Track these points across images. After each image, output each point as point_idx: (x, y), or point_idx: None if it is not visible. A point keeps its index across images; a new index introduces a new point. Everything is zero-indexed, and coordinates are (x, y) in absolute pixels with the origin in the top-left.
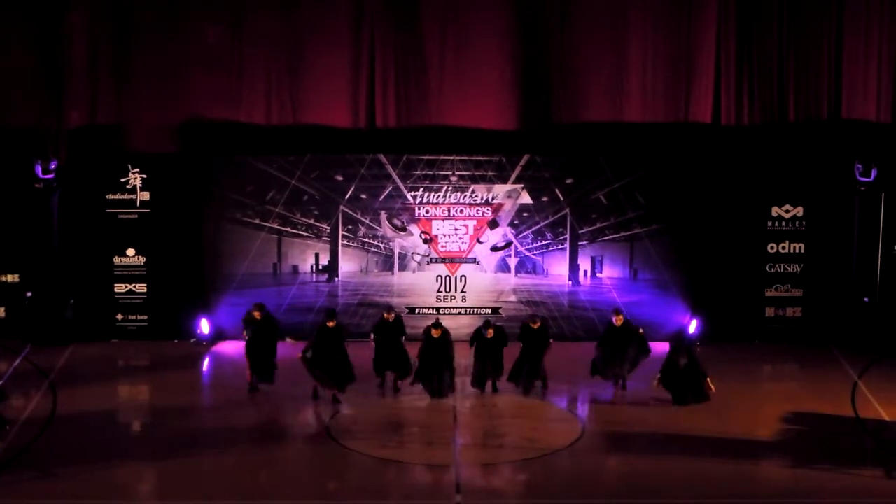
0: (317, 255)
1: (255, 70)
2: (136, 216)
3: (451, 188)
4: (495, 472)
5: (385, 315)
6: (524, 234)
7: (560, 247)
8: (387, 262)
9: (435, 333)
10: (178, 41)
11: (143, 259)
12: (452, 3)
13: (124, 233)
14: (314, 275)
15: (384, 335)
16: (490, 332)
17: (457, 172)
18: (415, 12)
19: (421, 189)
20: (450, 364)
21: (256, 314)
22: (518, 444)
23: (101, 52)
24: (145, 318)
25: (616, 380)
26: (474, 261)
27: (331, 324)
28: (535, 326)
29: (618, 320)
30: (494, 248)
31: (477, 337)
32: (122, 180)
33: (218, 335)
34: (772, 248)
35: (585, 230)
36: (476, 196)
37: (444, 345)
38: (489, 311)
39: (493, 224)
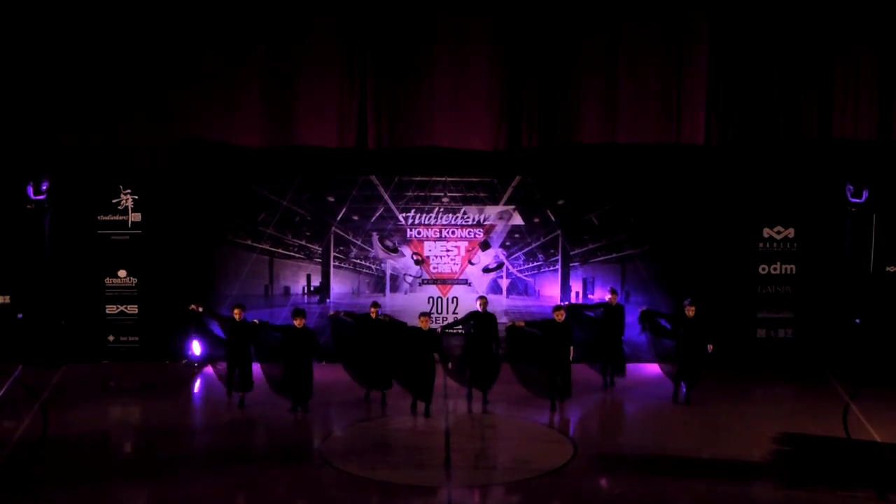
0: (308, 277)
1: (248, 92)
2: (128, 237)
3: (442, 209)
4: (488, 494)
5: (371, 310)
6: (516, 255)
7: (552, 268)
8: (378, 284)
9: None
10: (170, 63)
11: (134, 280)
12: (445, 26)
13: (116, 254)
14: (306, 296)
15: (373, 337)
16: (482, 305)
17: (448, 194)
18: (406, 36)
19: (413, 210)
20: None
21: (236, 312)
22: (510, 465)
23: (94, 72)
24: (136, 339)
25: (605, 370)
26: (466, 282)
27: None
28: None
29: (612, 299)
30: (486, 270)
31: (473, 315)
32: (114, 201)
33: (209, 357)
34: (763, 269)
35: (577, 251)
36: (468, 217)
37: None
38: None
39: (485, 245)
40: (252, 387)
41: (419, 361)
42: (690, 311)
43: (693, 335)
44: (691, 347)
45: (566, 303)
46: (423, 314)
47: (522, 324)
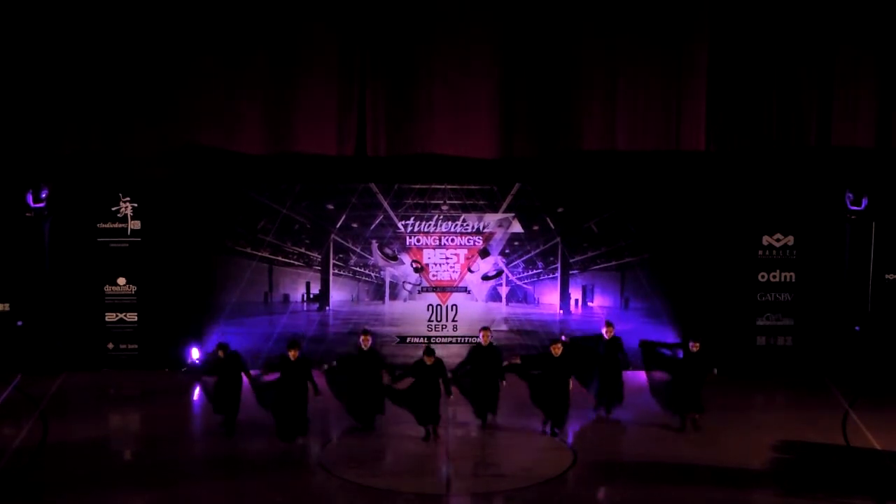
0: (308, 284)
1: (248, 99)
2: (128, 245)
3: (442, 217)
4: (488, 501)
5: (362, 338)
6: (515, 263)
7: (551, 276)
8: (378, 291)
9: (428, 361)
10: (170, 69)
11: (133, 288)
12: (444, 35)
13: (115, 262)
14: (305, 304)
15: (362, 369)
16: (485, 338)
17: (448, 201)
18: (406, 44)
19: (412, 218)
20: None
21: (220, 353)
22: (510, 473)
23: (94, 78)
24: (136, 347)
25: (601, 403)
26: (465, 290)
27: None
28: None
29: (609, 332)
30: (485, 277)
31: (476, 350)
32: (114, 209)
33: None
34: (762, 276)
35: (576, 259)
36: (467, 225)
37: (436, 372)
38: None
39: (485, 253)
40: (237, 411)
41: (424, 392)
42: (695, 347)
43: (692, 370)
44: (688, 381)
45: (565, 339)
46: (427, 352)
47: (518, 360)
